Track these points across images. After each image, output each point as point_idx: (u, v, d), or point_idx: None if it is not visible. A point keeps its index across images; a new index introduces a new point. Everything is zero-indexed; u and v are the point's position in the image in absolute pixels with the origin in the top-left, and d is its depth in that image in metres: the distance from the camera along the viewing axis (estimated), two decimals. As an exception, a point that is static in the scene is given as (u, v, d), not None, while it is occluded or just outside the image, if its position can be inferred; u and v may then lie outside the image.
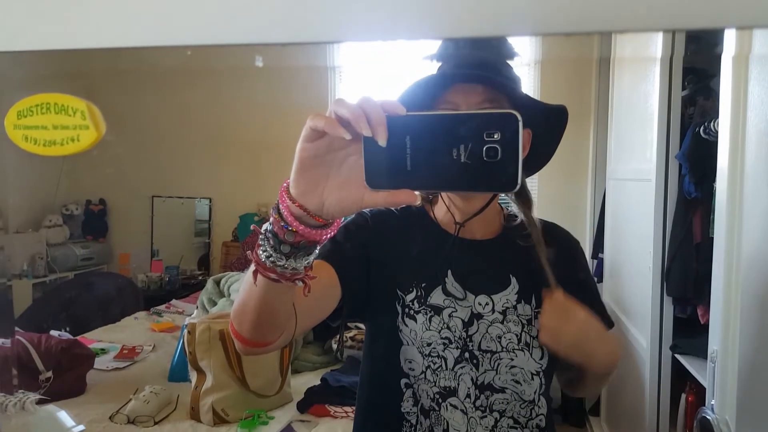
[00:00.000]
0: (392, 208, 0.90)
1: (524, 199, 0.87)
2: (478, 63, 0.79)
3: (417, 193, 0.48)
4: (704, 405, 1.16)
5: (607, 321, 0.89)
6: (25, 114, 0.33)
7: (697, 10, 0.33)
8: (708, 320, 1.63)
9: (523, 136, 0.44)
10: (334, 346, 2.19)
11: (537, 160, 0.86)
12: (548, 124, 0.83)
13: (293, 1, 0.35)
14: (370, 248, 0.85)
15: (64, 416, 1.16)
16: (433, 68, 0.83)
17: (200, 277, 3.97)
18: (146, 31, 0.35)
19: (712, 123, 1.62)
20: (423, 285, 0.83)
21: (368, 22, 0.35)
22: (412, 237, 0.88)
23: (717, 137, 1.30)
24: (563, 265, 0.84)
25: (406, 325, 0.83)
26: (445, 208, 0.86)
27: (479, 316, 0.83)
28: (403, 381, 0.84)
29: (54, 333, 1.97)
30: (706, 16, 0.33)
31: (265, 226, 0.53)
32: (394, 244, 0.86)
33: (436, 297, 0.83)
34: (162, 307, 3.09)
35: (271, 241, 0.52)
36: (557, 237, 0.90)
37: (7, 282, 3.40)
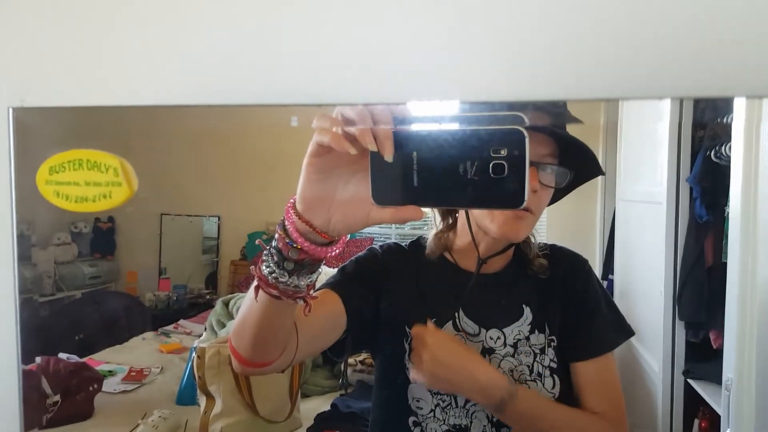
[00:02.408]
0: (403, 245, 0.89)
1: None
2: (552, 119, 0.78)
3: (423, 209, 0.47)
4: (720, 433, 1.13)
5: (626, 331, 0.86)
6: (57, 170, 0.33)
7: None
8: (720, 345, 1.61)
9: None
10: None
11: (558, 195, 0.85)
12: (583, 176, 0.81)
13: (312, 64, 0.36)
14: (379, 283, 0.84)
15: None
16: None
17: (207, 296, 3.96)
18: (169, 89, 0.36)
19: (723, 147, 1.62)
20: (432, 321, 0.82)
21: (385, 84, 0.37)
22: (422, 274, 0.86)
23: (728, 161, 1.29)
24: (572, 287, 0.84)
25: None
26: (469, 239, 0.83)
27: (491, 351, 0.81)
28: (411, 419, 0.82)
29: (62, 355, 1.96)
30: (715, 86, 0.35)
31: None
32: (403, 280, 0.85)
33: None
34: (170, 327, 3.08)
35: (275, 257, 0.52)
36: (562, 259, 0.88)
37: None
